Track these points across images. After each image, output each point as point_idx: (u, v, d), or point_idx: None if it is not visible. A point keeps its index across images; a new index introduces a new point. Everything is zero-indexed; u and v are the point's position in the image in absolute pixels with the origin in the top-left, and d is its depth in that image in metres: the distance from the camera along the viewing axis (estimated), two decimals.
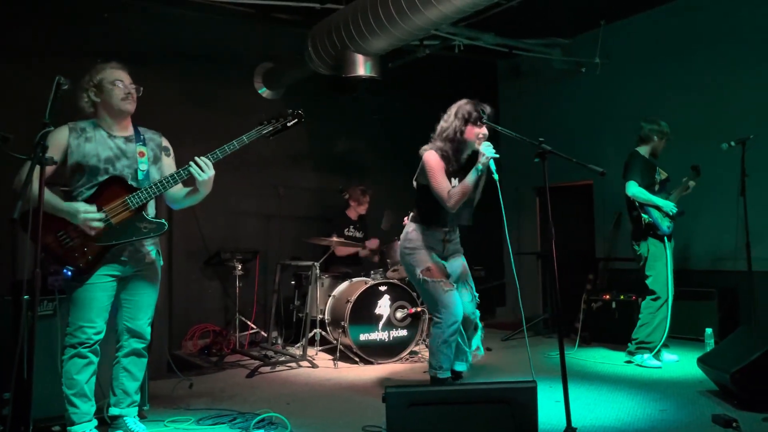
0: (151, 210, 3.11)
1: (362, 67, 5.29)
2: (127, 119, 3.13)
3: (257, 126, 3.15)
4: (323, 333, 5.35)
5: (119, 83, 3.03)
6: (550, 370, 4.58)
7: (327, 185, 6.62)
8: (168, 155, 3.26)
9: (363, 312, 5.05)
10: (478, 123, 3.53)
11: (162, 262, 3.27)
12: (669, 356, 4.86)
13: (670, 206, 4.73)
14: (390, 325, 5.16)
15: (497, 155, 3.36)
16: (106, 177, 2.99)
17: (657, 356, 4.76)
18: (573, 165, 3.18)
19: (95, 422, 3.06)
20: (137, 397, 3.21)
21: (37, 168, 2.52)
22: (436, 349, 3.59)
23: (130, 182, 3.02)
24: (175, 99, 5.80)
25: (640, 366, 4.72)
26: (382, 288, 5.18)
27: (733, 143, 4.76)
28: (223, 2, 5.58)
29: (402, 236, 3.80)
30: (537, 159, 3.12)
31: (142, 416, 3.40)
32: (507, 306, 7.76)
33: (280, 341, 5.89)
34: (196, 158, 2.99)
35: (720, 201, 5.53)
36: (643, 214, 4.75)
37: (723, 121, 5.74)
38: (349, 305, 4.98)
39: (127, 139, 3.11)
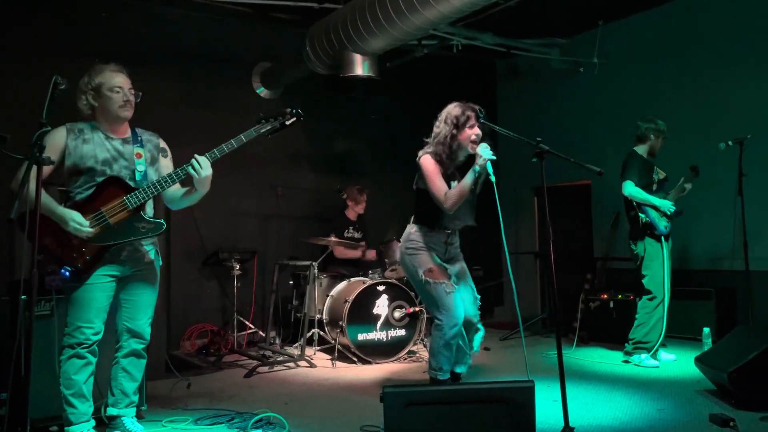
0: (149, 210, 3.11)
1: (360, 67, 5.29)
2: (124, 123, 3.13)
3: (255, 125, 3.14)
4: (321, 333, 5.34)
5: (118, 90, 3.03)
6: (547, 370, 4.58)
7: (325, 185, 6.62)
8: (165, 156, 3.26)
9: (361, 312, 5.05)
10: (468, 126, 3.53)
11: (161, 262, 3.27)
12: (667, 356, 4.86)
13: (667, 206, 4.74)
14: (388, 324, 5.16)
15: (494, 157, 3.36)
16: (104, 178, 2.98)
17: (654, 356, 4.77)
18: (571, 165, 3.19)
19: (93, 422, 3.05)
20: (135, 398, 3.21)
21: (34, 168, 2.51)
22: (436, 350, 3.58)
23: (128, 182, 3.02)
24: (173, 98, 5.80)
25: (638, 366, 4.72)
26: (380, 288, 5.18)
27: (730, 143, 4.77)
28: (222, 2, 5.58)
29: (403, 237, 3.77)
30: (535, 159, 3.12)
31: (139, 416, 3.40)
32: (505, 306, 7.76)
33: (278, 341, 5.89)
34: (195, 156, 2.99)
35: (717, 201, 5.55)
36: (640, 214, 4.76)
37: (721, 121, 5.75)
38: (347, 305, 4.98)
39: (125, 141, 3.11)
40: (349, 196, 6.11)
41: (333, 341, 5.18)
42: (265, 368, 4.86)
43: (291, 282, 5.90)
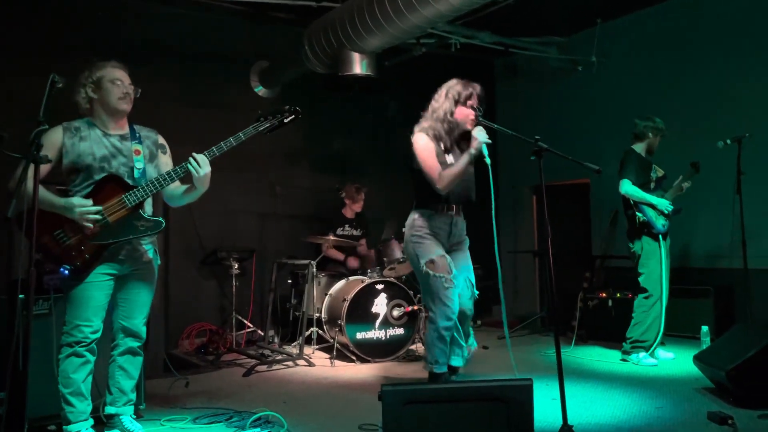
0: (148, 208, 3.10)
1: (358, 66, 5.29)
2: (122, 118, 3.13)
3: (254, 123, 3.14)
4: (320, 331, 5.34)
5: (118, 82, 3.03)
6: (546, 368, 4.59)
7: (323, 184, 6.62)
8: (164, 153, 3.25)
9: (360, 310, 5.05)
10: (469, 103, 3.53)
11: (159, 261, 3.26)
12: (665, 354, 4.87)
13: (665, 204, 4.74)
14: (387, 323, 5.16)
15: (489, 141, 3.36)
16: (102, 175, 2.98)
17: (653, 354, 4.77)
18: (569, 163, 3.19)
19: (91, 421, 3.05)
20: (133, 396, 3.21)
21: (32, 167, 2.51)
22: (430, 343, 3.59)
23: (126, 180, 3.02)
24: (171, 97, 5.79)
25: (636, 364, 4.72)
26: (379, 286, 5.17)
27: (728, 141, 4.77)
28: (220, 1, 5.57)
29: (407, 224, 3.73)
30: (533, 157, 3.12)
31: (138, 415, 3.39)
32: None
33: (276, 340, 5.89)
34: (194, 154, 2.98)
35: (716, 199, 5.55)
36: (637, 213, 4.76)
37: (719, 120, 5.75)
38: (346, 304, 4.97)
39: (123, 137, 3.10)
40: (347, 194, 6.11)
41: (331, 340, 5.18)
42: (264, 367, 4.85)
43: (289, 281, 5.90)
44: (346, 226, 6.10)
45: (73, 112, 3.07)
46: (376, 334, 5.11)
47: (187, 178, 3.03)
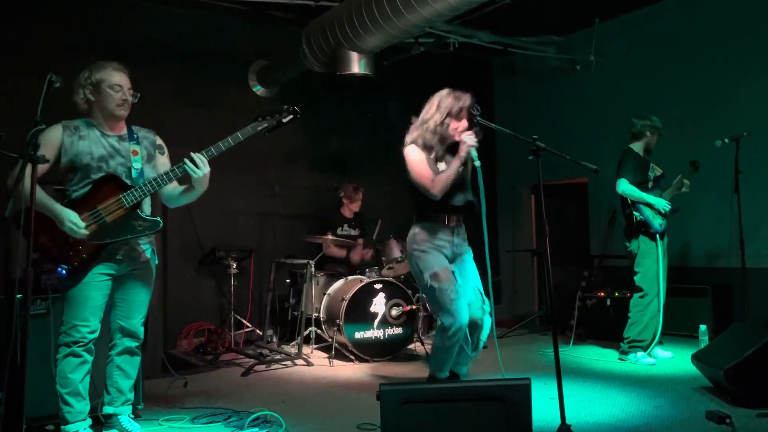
0: (146, 208, 3.10)
1: (357, 65, 5.29)
2: (120, 122, 3.12)
3: (252, 122, 3.14)
4: (318, 331, 5.34)
5: (118, 88, 3.01)
6: (544, 367, 4.59)
7: (322, 183, 6.61)
8: (162, 153, 3.25)
9: (358, 310, 5.05)
10: (459, 118, 3.54)
11: (157, 261, 3.26)
12: (663, 353, 4.87)
13: (662, 204, 4.74)
14: (385, 322, 5.16)
15: (477, 144, 3.38)
16: (100, 175, 2.97)
17: (651, 353, 4.77)
18: (567, 162, 3.19)
19: (89, 421, 3.05)
20: (131, 396, 3.21)
21: (29, 166, 2.50)
22: (437, 351, 3.57)
23: (124, 180, 3.01)
24: (169, 97, 5.78)
25: (635, 363, 4.73)
26: (378, 286, 5.17)
27: (727, 140, 4.77)
28: (219, 0, 5.56)
29: (409, 238, 3.70)
30: (531, 156, 3.12)
31: (136, 415, 3.40)
32: (502, 303, 7.77)
33: (275, 339, 5.89)
34: (192, 154, 2.98)
35: (714, 198, 5.55)
36: (634, 212, 4.76)
37: (717, 119, 5.75)
38: (345, 303, 4.97)
39: (121, 138, 3.10)
40: (345, 193, 6.11)
41: (330, 339, 5.18)
42: (262, 367, 4.85)
43: (288, 280, 5.89)
44: (345, 225, 6.10)
45: (73, 111, 3.07)
46: (374, 333, 5.11)
47: (185, 178, 3.02)
